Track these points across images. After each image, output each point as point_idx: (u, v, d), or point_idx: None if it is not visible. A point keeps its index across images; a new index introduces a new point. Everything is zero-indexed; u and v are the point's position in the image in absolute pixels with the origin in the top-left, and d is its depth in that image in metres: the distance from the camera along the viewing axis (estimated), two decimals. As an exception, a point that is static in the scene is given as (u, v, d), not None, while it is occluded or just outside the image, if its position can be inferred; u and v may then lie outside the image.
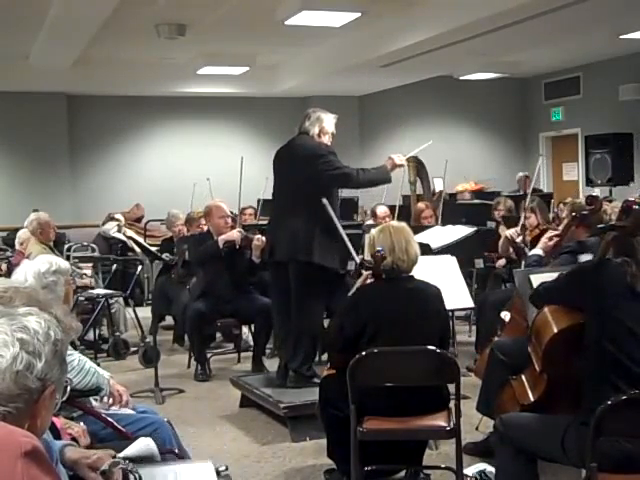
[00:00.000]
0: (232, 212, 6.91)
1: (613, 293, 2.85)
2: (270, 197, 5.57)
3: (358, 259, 5.05)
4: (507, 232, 6.30)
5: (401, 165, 5.48)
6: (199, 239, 6.73)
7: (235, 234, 6.41)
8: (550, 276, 3.50)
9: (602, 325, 2.84)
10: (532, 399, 3.31)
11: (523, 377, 3.47)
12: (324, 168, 5.09)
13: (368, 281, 3.85)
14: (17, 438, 1.44)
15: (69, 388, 1.79)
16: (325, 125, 5.27)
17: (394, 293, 3.73)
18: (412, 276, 3.79)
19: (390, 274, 3.73)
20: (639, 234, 2.88)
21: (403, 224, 4.00)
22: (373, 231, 3.97)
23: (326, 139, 5.28)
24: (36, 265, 3.37)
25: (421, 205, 7.74)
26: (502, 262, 6.86)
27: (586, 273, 3.03)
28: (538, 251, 4.56)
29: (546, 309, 3.21)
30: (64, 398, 1.78)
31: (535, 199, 6.72)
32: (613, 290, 2.85)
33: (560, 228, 4.80)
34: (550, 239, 4.61)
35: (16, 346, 1.59)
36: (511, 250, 6.24)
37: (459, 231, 6.53)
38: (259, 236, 6.23)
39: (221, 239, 6.41)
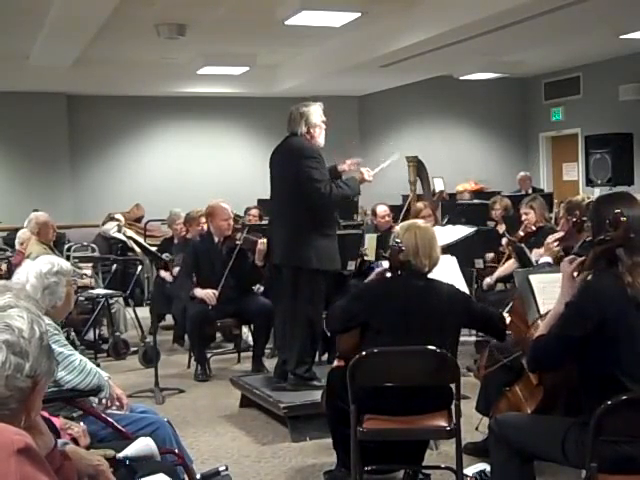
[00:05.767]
0: (235, 213, 6.90)
1: (616, 310, 2.78)
2: (269, 197, 5.53)
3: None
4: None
5: (369, 181, 5.20)
6: (196, 248, 6.66)
7: (210, 294, 6.28)
8: (550, 276, 3.49)
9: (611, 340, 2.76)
10: (529, 411, 3.29)
11: (517, 389, 3.43)
12: (309, 172, 4.96)
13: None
14: (9, 436, 1.43)
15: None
16: (311, 119, 5.10)
17: (404, 289, 3.73)
18: (425, 274, 3.79)
19: (405, 269, 3.74)
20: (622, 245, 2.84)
21: (428, 225, 4.00)
22: (398, 228, 3.96)
23: (317, 132, 5.12)
24: (38, 266, 3.37)
25: (419, 204, 7.73)
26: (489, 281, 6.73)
27: (586, 303, 2.83)
28: (547, 259, 4.53)
29: (539, 321, 3.18)
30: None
31: (536, 197, 6.72)
32: (615, 307, 2.80)
33: (559, 227, 4.79)
34: (556, 244, 4.60)
35: (2, 350, 1.54)
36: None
37: (459, 231, 6.52)
38: (263, 240, 6.12)
39: (199, 294, 6.32)
